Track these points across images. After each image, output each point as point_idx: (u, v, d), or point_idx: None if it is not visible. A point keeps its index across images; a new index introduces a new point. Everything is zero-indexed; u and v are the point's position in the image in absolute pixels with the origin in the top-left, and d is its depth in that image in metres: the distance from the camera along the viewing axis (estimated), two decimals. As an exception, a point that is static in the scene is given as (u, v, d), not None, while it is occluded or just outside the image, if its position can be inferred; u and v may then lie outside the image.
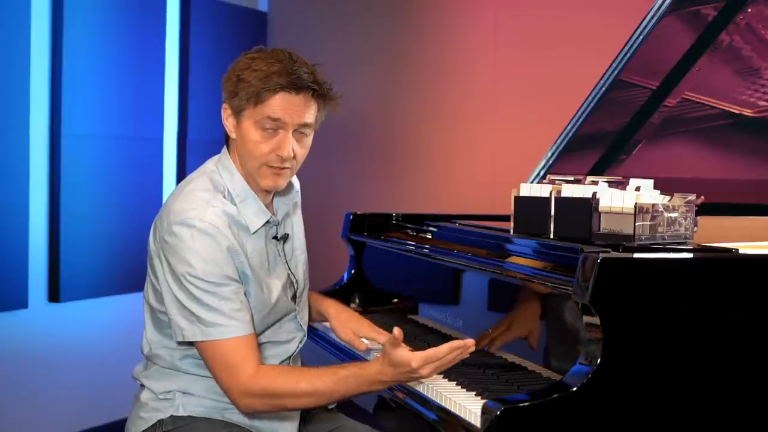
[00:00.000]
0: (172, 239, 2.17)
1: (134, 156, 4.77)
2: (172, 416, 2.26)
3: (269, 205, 2.35)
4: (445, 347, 2.13)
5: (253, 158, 2.24)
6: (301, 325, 2.42)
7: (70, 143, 4.41)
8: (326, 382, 2.16)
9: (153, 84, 4.93)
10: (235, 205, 2.26)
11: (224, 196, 2.25)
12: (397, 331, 2.13)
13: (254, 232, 2.28)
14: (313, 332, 2.86)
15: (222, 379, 2.17)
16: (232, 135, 2.27)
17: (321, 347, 2.89)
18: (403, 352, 2.13)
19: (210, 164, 2.33)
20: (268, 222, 2.31)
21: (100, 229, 4.58)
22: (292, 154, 2.23)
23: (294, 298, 2.39)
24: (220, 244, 2.18)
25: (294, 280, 2.39)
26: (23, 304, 4.23)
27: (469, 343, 2.13)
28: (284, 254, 2.38)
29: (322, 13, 5.79)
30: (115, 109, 4.68)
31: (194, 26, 5.17)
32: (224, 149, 2.33)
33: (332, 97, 2.26)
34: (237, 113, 2.24)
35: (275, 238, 2.35)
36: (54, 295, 4.40)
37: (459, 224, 3.00)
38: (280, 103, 2.19)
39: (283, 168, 2.25)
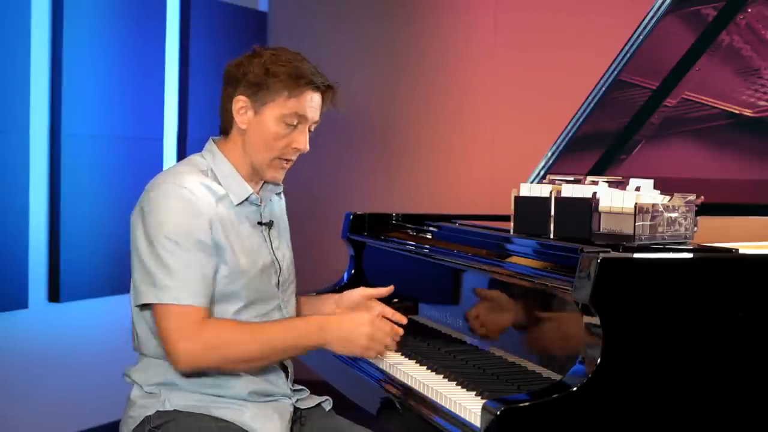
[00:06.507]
0: (148, 204, 2.24)
1: (134, 156, 4.77)
2: (158, 411, 2.26)
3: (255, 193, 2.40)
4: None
5: (269, 150, 2.32)
6: (286, 315, 2.41)
7: (70, 143, 4.41)
8: (273, 324, 2.29)
9: (153, 84, 4.93)
10: (219, 182, 2.32)
11: (207, 175, 2.32)
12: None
13: (239, 205, 2.32)
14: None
15: (171, 337, 2.18)
16: (243, 126, 2.33)
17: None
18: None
19: (194, 154, 2.41)
20: (249, 200, 2.35)
21: (100, 229, 4.58)
22: (308, 149, 2.35)
23: (278, 285, 2.40)
24: (195, 207, 2.23)
25: (278, 267, 2.40)
26: (23, 304, 4.22)
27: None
28: (270, 241, 2.40)
29: (322, 13, 5.79)
30: (115, 109, 4.68)
31: (194, 26, 5.16)
32: (209, 141, 2.40)
33: (339, 99, 2.39)
34: (257, 106, 2.30)
35: (260, 223, 2.38)
36: (54, 295, 4.40)
37: (459, 224, 3.00)
38: (307, 101, 2.31)
39: (290, 161, 2.35)
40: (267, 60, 2.30)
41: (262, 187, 2.41)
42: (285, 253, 2.45)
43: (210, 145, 2.39)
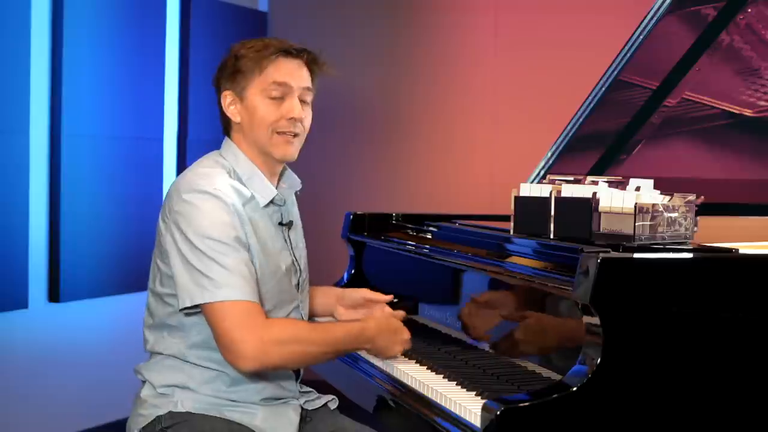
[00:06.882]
0: (184, 207, 2.20)
1: (134, 156, 4.77)
2: (170, 412, 2.26)
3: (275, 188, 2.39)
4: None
5: (264, 127, 2.30)
6: (302, 316, 2.43)
7: (70, 143, 4.41)
8: (333, 325, 2.40)
9: (153, 84, 4.93)
10: (243, 183, 2.30)
11: (230, 176, 2.30)
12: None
13: (264, 207, 2.31)
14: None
15: (235, 334, 2.14)
16: (237, 119, 2.33)
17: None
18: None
19: (212, 153, 2.38)
20: (273, 202, 2.35)
21: (100, 229, 4.58)
22: (302, 116, 2.31)
23: (297, 286, 2.41)
24: (231, 209, 2.21)
25: (298, 267, 2.41)
26: (23, 304, 4.22)
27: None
28: (290, 241, 2.40)
29: (323, 13, 5.79)
30: (115, 109, 4.68)
31: (194, 26, 5.16)
32: (225, 139, 2.39)
33: (322, 61, 2.38)
34: (240, 93, 2.31)
35: (281, 223, 2.38)
36: (54, 295, 4.40)
37: (459, 224, 3.00)
38: (282, 68, 2.30)
39: (295, 135, 2.32)
40: (236, 49, 2.33)
41: (278, 183, 2.41)
42: (302, 253, 2.46)
43: (228, 144, 2.37)
